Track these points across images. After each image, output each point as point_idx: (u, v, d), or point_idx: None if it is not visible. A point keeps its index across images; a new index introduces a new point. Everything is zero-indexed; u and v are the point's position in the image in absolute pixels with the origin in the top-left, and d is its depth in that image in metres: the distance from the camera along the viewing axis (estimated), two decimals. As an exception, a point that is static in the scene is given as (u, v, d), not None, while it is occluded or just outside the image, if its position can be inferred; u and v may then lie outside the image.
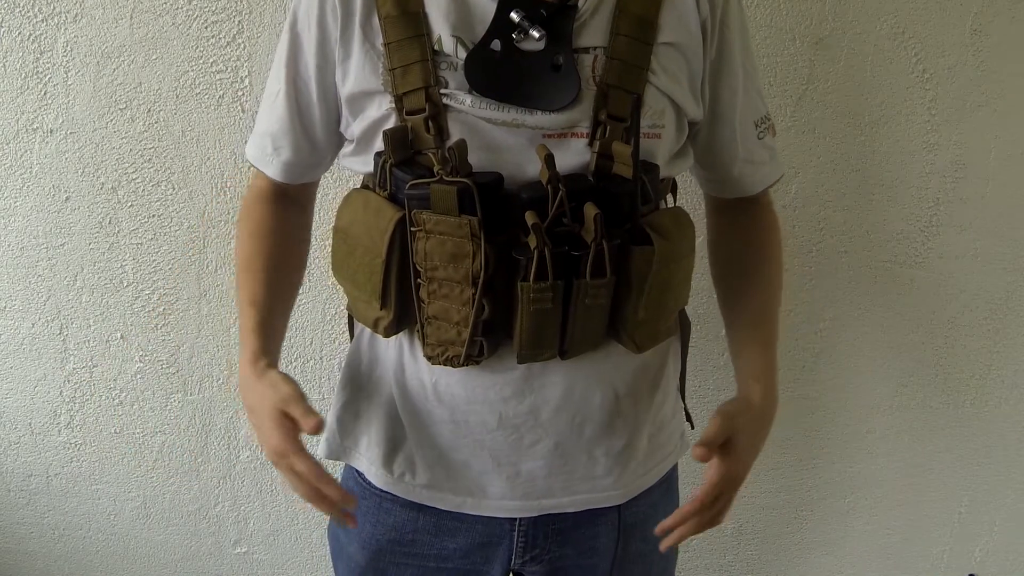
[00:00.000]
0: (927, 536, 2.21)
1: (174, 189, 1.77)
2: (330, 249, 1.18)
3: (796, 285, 1.91)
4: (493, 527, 1.24)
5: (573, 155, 1.06)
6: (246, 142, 1.65)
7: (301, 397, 1.08)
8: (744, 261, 1.33)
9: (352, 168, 1.18)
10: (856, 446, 2.09)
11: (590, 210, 0.98)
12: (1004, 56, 1.78)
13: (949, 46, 1.76)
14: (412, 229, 1.03)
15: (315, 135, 1.19)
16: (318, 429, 1.04)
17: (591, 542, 1.27)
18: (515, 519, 1.23)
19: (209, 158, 1.75)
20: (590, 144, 1.06)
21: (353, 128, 1.14)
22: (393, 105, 1.06)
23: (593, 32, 1.06)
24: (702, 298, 1.81)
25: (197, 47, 1.68)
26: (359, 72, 1.09)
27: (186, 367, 1.92)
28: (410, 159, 1.05)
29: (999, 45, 1.77)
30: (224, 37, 1.67)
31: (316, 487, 1.07)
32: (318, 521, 2.04)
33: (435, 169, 0.99)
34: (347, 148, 1.18)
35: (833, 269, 1.91)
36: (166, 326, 1.88)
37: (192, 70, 1.69)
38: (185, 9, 1.65)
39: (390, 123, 1.07)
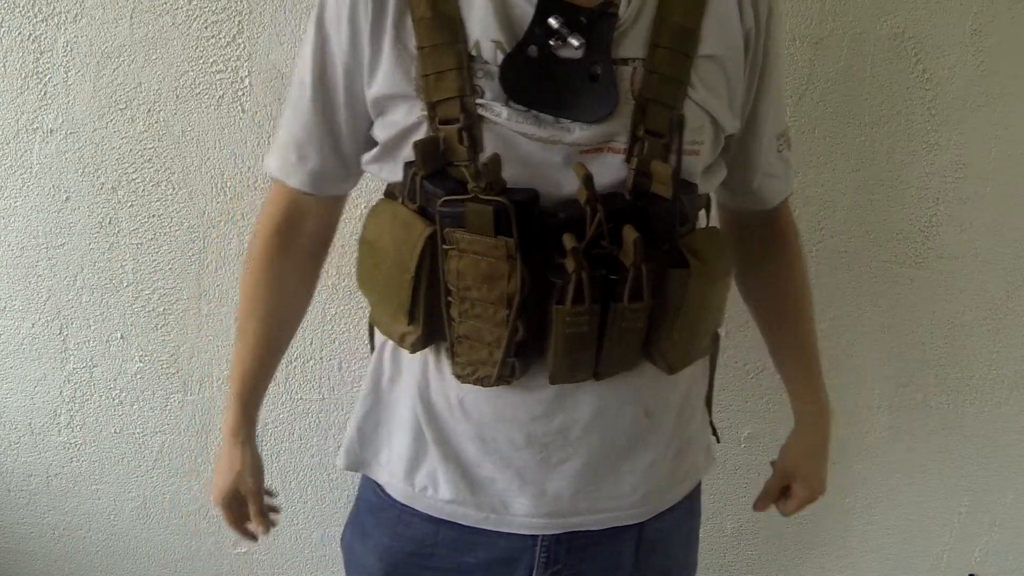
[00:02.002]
0: (927, 536, 2.21)
1: (174, 189, 1.77)
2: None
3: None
4: (514, 542, 1.20)
5: (610, 171, 1.02)
6: (246, 142, 1.65)
7: (259, 493, 1.34)
8: (774, 288, 1.41)
9: (372, 173, 1.14)
10: (856, 446, 2.08)
11: (630, 233, 0.95)
12: (1004, 56, 1.77)
13: (949, 46, 1.76)
14: (444, 247, 0.99)
15: (342, 141, 1.15)
16: (265, 533, 1.37)
17: (614, 558, 1.24)
18: (537, 535, 1.20)
19: (209, 158, 1.75)
20: (627, 160, 1.02)
21: (377, 132, 1.10)
22: (425, 113, 1.02)
23: (633, 42, 1.02)
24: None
25: (197, 47, 1.67)
26: (389, 74, 1.04)
27: (186, 367, 1.92)
28: (441, 171, 1.01)
29: (999, 45, 1.76)
30: (224, 37, 1.67)
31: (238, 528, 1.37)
32: (318, 521, 2.04)
33: (469, 185, 0.96)
34: (369, 153, 1.13)
35: (833, 269, 1.91)
36: (166, 326, 1.88)
37: (192, 70, 1.69)
38: (185, 9, 1.65)
39: (420, 132, 1.03)
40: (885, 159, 1.83)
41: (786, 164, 1.27)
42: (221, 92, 1.70)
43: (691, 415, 1.26)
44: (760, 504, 1.53)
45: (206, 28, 1.66)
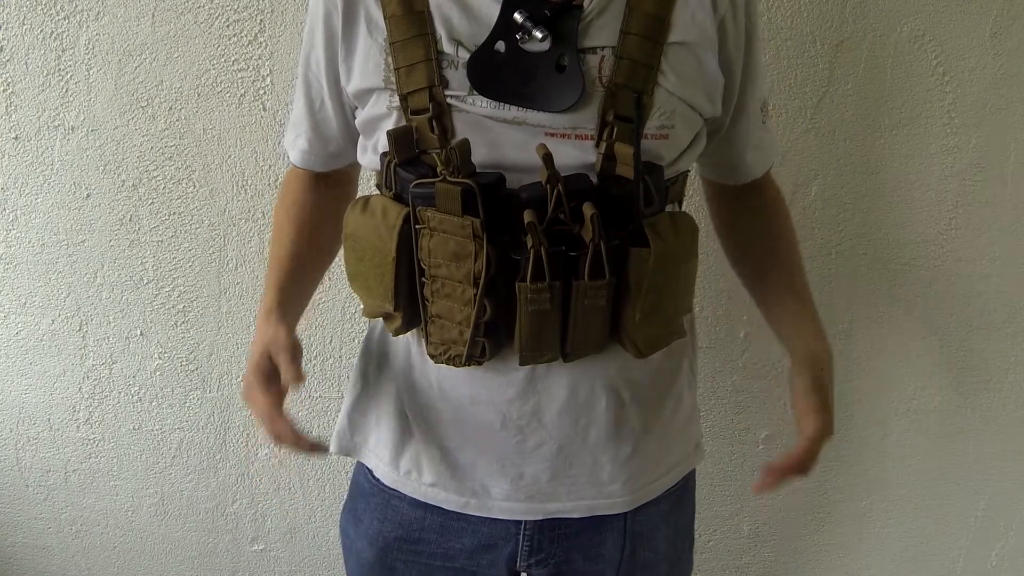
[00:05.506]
0: (944, 540, 2.21)
1: (195, 187, 1.78)
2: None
3: (814, 288, 1.86)
4: (498, 529, 1.23)
5: (579, 155, 1.05)
6: (267, 140, 1.67)
7: (292, 349, 1.18)
8: (764, 243, 1.37)
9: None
10: (873, 449, 2.08)
11: (587, 210, 0.98)
12: (1024, 59, 1.78)
13: (969, 49, 1.76)
14: (417, 227, 1.03)
15: (328, 127, 1.22)
16: (296, 380, 1.15)
17: (597, 549, 1.26)
18: (520, 522, 1.23)
19: (230, 156, 1.75)
20: (597, 145, 1.05)
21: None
22: (397, 104, 1.06)
23: (601, 32, 1.04)
24: (721, 300, 1.82)
25: (219, 45, 1.68)
26: (363, 69, 1.09)
27: (205, 364, 1.93)
28: (415, 159, 1.05)
29: (1019, 48, 1.76)
30: (246, 36, 1.68)
31: (269, 425, 1.15)
32: (335, 519, 2.04)
33: (438, 169, 0.99)
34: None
35: (851, 272, 1.91)
36: (186, 323, 1.89)
37: (214, 68, 1.70)
38: (207, 8, 1.66)
39: (391, 121, 1.08)
40: (904, 162, 1.83)
41: (771, 134, 1.29)
42: (243, 91, 1.71)
43: (676, 407, 1.27)
44: (768, 477, 1.23)
45: (228, 27, 1.67)
